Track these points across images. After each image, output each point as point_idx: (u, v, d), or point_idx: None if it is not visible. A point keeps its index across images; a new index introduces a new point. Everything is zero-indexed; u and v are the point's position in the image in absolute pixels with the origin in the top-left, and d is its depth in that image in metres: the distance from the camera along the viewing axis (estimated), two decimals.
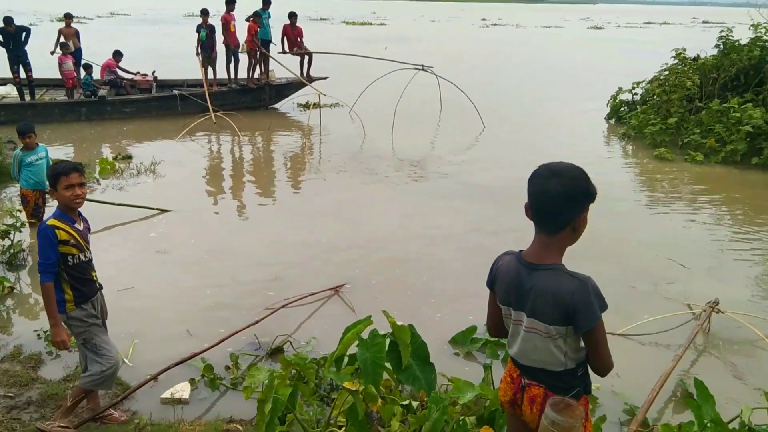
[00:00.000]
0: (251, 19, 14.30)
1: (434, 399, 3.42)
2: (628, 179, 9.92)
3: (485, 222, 7.68)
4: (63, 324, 3.44)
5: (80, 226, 3.53)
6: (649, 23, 65.89)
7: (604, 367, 2.15)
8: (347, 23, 51.40)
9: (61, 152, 10.54)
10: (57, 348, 3.58)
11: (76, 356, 4.18)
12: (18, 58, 12.39)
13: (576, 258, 2.62)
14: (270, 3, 14.81)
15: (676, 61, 12.60)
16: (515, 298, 2.19)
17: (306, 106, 15.21)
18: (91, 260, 3.56)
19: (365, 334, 3.74)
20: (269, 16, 14.77)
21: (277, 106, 15.43)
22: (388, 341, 3.87)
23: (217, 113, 12.64)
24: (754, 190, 9.34)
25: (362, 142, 11.91)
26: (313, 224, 7.52)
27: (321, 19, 54.37)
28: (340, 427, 3.43)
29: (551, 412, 2.03)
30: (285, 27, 14.76)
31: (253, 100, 14.90)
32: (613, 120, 13.61)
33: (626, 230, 7.52)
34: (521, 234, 6.81)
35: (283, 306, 5.41)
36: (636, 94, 13.26)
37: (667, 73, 12.63)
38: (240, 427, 3.66)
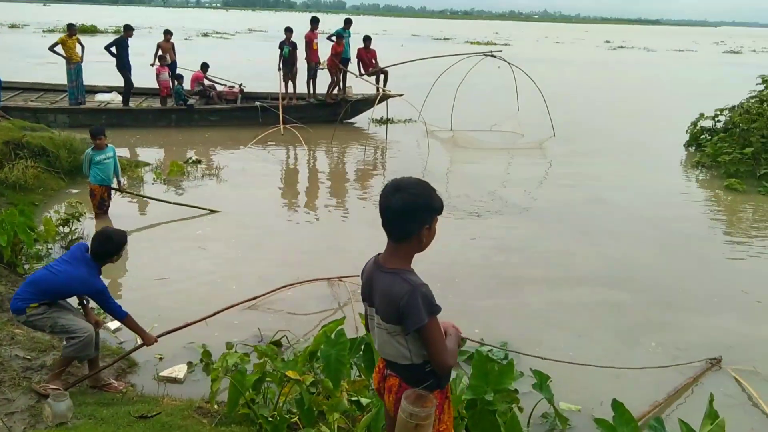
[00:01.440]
0: (334, 39, 14.98)
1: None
2: (688, 208, 9.49)
3: (518, 241, 7.68)
4: (147, 332, 4.29)
5: None
6: None
7: (439, 364, 2.26)
8: (471, 43, 52.09)
9: (150, 154, 11.55)
10: (147, 342, 4.32)
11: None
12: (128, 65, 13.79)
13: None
14: (351, 22, 15.51)
15: (763, 87, 11.82)
16: (369, 296, 2.37)
17: (380, 121, 15.64)
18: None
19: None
20: (349, 35, 15.41)
21: (352, 120, 15.97)
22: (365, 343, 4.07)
23: (286, 126, 13.31)
24: None
25: (426, 161, 12.02)
26: (350, 233, 7.81)
27: (444, 39, 55.74)
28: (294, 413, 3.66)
29: (406, 404, 2.18)
30: (359, 51, 15.29)
31: (330, 114, 15.50)
32: (693, 147, 12.93)
33: (665, 261, 7.25)
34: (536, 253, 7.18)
35: (285, 287, 5.81)
36: (719, 121, 12.55)
37: (754, 100, 11.88)
38: (216, 406, 3.96)
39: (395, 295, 2.20)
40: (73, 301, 4.30)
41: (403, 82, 16.72)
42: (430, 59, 14.99)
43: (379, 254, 2.38)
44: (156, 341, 4.36)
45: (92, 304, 4.38)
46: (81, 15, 64.84)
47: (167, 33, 15.13)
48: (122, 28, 13.91)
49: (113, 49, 13.41)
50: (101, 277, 4.14)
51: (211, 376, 3.71)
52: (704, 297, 6.40)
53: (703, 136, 12.73)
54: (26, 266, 6.31)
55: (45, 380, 3.98)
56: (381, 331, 2.33)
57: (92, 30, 42.58)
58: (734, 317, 5.98)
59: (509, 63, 13.89)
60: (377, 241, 2.45)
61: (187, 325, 4.74)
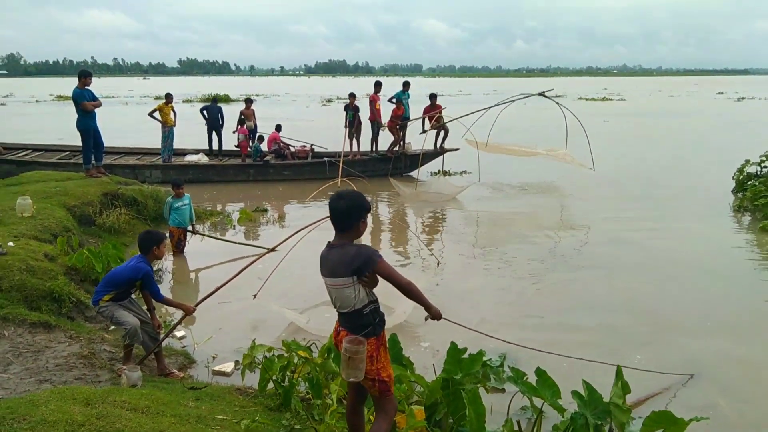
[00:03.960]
0: (394, 102, 16.44)
1: None
2: (719, 247, 9.91)
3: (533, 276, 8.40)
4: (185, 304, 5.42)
5: None
6: None
7: (402, 288, 3.29)
8: (586, 99, 53.81)
9: (229, 205, 13.16)
10: (187, 312, 5.46)
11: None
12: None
13: None
14: (409, 84, 17.02)
15: None
16: (324, 268, 3.34)
17: (438, 173, 16.74)
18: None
19: None
20: (408, 97, 16.87)
21: (412, 174, 17.17)
22: None
23: (344, 179, 14.61)
24: None
25: (477, 224, 12.88)
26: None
27: (557, 96, 57.31)
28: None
29: (345, 343, 3.13)
30: (425, 108, 16.66)
31: (391, 168, 16.86)
32: (741, 193, 13.09)
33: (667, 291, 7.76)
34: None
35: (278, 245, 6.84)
36: (765, 166, 12.72)
37: None
38: (249, 391, 4.96)
39: (347, 255, 3.21)
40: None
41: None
42: (494, 107, 16.03)
43: (329, 242, 3.38)
44: (194, 310, 5.48)
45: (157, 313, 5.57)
46: (175, 86, 71.32)
47: (248, 101, 17.16)
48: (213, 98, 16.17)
49: (204, 113, 15.64)
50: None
51: (243, 361, 4.75)
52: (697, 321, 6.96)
53: (750, 182, 12.90)
54: None
55: (120, 365, 5.16)
56: (335, 289, 3.28)
57: (188, 100, 47.39)
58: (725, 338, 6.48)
59: (558, 103, 14.70)
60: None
61: (218, 289, 5.74)
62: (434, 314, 3.46)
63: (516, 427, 4.43)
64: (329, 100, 56.77)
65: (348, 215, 3.26)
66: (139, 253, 5.28)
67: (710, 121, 33.98)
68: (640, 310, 7.34)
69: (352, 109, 16.29)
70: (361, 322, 3.26)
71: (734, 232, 10.99)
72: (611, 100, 53.11)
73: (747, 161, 13.09)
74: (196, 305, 5.58)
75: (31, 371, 4.79)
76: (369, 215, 3.38)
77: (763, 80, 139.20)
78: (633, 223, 11.29)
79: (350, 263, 3.19)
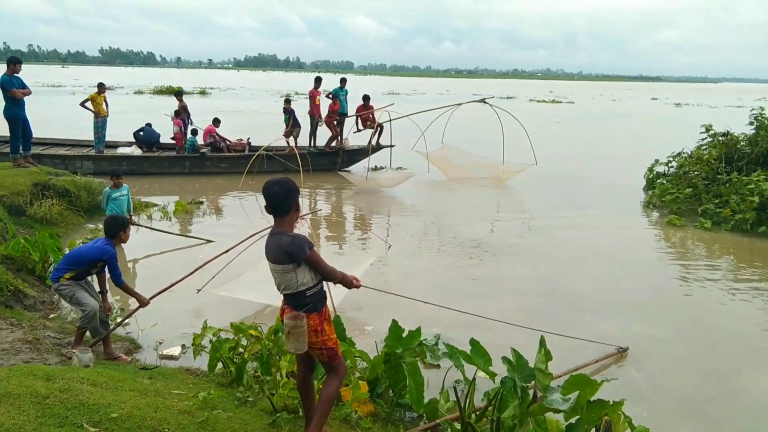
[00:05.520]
0: (330, 97, 16.75)
1: None
2: (630, 239, 10.86)
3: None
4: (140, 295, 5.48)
5: None
6: None
7: (326, 276, 3.58)
8: (537, 101, 56.61)
9: (164, 197, 13.04)
10: (141, 303, 5.54)
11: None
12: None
13: None
14: (345, 81, 17.39)
15: (706, 136, 13.24)
16: (267, 253, 3.59)
17: (374, 169, 17.16)
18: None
19: None
20: (346, 93, 17.23)
21: (349, 169, 17.53)
22: None
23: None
24: (755, 255, 9.85)
25: (418, 214, 13.45)
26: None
27: (508, 98, 59.30)
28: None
29: (285, 319, 3.46)
30: (358, 108, 17.05)
31: (329, 162, 17.12)
32: (651, 191, 14.21)
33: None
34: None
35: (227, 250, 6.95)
36: (672, 166, 13.88)
37: (704, 146, 13.26)
38: (198, 371, 5.17)
39: (283, 244, 3.45)
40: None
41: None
42: (427, 111, 16.58)
43: (270, 228, 3.66)
44: (149, 303, 5.55)
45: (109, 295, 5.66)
46: (98, 76, 68.51)
47: (179, 94, 16.99)
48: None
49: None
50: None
51: (193, 341, 4.96)
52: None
53: (659, 180, 14.03)
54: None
55: (70, 347, 5.24)
56: (278, 273, 3.55)
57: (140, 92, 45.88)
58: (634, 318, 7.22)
59: (493, 107, 15.56)
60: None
61: (171, 285, 5.91)
62: (348, 283, 3.76)
63: (453, 397, 4.87)
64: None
65: (285, 198, 3.46)
66: (104, 236, 5.37)
67: (655, 122, 36.50)
68: (559, 293, 7.99)
69: (287, 114, 16.60)
70: (303, 301, 3.53)
71: (644, 226, 12.00)
72: (560, 102, 55.53)
73: (656, 161, 14.22)
74: (151, 298, 5.66)
75: None
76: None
77: (683, 87, 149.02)
78: (556, 217, 12.10)
79: (286, 252, 3.44)
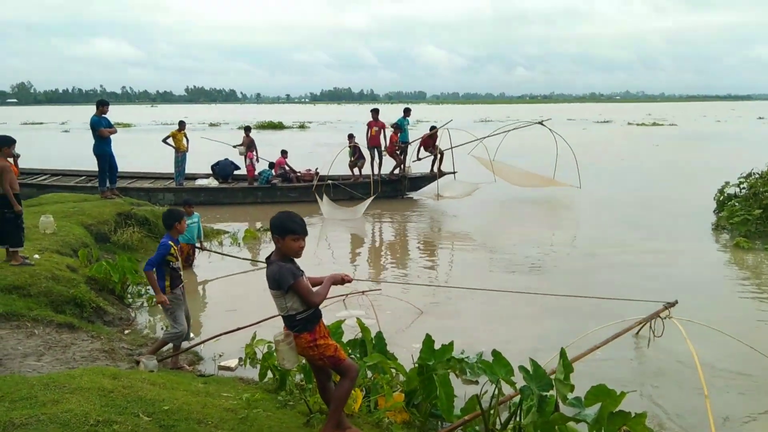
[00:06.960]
0: (394, 127, 17.37)
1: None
2: (697, 262, 10.55)
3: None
4: (162, 293, 5.81)
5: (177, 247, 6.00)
6: None
7: (309, 304, 3.81)
8: (637, 124, 56.19)
9: (237, 225, 13.87)
10: (161, 305, 5.88)
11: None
12: None
13: None
14: (410, 110, 18.01)
15: None
16: (267, 279, 3.91)
17: (438, 195, 17.54)
18: (179, 267, 5.97)
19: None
20: (408, 122, 17.82)
21: (412, 195, 18.02)
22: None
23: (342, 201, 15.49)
24: None
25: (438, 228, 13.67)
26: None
27: (605, 122, 59.05)
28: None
29: (274, 337, 3.89)
30: (423, 137, 17.66)
31: (392, 190, 17.68)
32: (721, 212, 13.73)
33: None
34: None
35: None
36: (744, 188, 13.38)
37: None
38: (251, 380, 5.62)
39: (273, 273, 3.80)
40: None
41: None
42: (488, 137, 17.19)
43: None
44: (166, 302, 5.77)
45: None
46: (183, 113, 72.99)
47: (247, 129, 18.17)
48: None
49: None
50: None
51: (246, 351, 5.42)
52: None
53: (731, 202, 13.53)
54: (130, 299, 8.41)
55: (143, 354, 5.84)
56: (273, 298, 3.91)
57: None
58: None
59: (552, 130, 15.79)
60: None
61: (234, 330, 6.46)
62: (338, 282, 4.04)
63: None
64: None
65: (276, 230, 3.80)
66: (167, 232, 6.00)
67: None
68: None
69: (351, 148, 17.43)
70: (294, 323, 3.87)
71: (713, 249, 11.61)
72: (661, 125, 54.19)
73: (727, 183, 13.75)
74: (220, 334, 6.34)
75: (61, 361, 5.48)
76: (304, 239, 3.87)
77: None
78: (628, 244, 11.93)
79: (275, 280, 3.76)
